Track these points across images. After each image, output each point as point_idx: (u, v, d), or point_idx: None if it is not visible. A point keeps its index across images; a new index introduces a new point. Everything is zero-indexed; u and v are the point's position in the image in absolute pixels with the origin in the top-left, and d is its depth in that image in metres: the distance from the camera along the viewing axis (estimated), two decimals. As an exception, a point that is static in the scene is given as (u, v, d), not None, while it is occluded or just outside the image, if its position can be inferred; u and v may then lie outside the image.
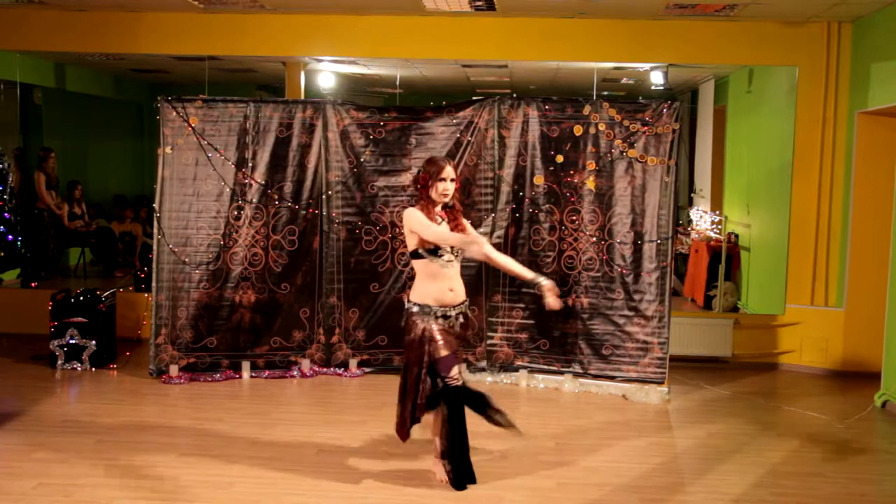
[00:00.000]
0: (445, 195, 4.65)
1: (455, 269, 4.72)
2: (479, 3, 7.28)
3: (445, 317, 4.68)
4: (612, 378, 6.85)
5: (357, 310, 7.18)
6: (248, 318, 7.06)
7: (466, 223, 4.84)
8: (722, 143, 10.35)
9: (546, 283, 4.75)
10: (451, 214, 4.75)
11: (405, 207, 6.97)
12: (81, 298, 7.23)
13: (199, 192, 6.97)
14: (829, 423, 6.19)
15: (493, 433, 5.75)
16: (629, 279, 6.78)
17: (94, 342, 7.20)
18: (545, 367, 7.04)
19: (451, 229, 4.70)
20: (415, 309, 4.67)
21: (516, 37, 7.93)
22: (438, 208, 4.69)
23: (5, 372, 7.05)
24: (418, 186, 4.72)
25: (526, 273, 4.92)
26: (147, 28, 8.02)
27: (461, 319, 4.79)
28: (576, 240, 6.93)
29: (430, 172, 4.65)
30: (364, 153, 7.13)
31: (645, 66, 8.66)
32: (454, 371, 4.64)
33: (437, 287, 4.67)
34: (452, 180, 4.67)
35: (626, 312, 6.79)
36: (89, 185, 11.66)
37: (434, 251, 4.64)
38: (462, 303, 4.79)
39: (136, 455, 5.13)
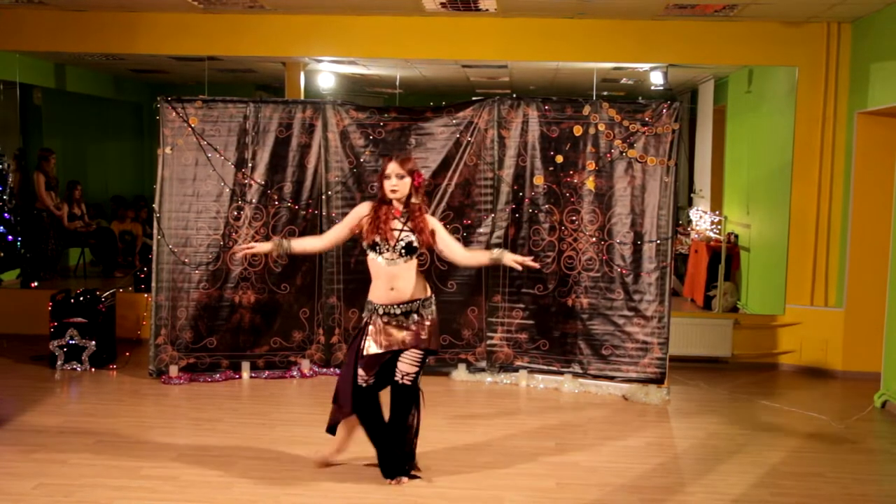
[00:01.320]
0: (393, 192, 4.64)
1: (400, 267, 4.62)
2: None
3: (390, 314, 4.65)
4: (611, 378, 6.85)
5: (357, 310, 7.17)
6: (248, 318, 7.05)
7: (432, 222, 4.74)
8: (722, 144, 10.35)
9: (500, 255, 4.85)
10: (411, 213, 4.67)
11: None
12: (81, 299, 7.23)
13: (198, 193, 6.97)
14: (828, 423, 6.19)
15: (492, 431, 5.75)
16: (629, 279, 6.78)
17: (93, 342, 7.19)
18: (545, 367, 7.04)
19: (412, 227, 4.64)
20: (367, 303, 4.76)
21: (516, 37, 7.93)
22: (396, 206, 4.67)
23: (5, 372, 7.05)
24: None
25: (483, 258, 5.07)
26: (146, 28, 8.02)
27: (414, 318, 4.66)
28: (575, 240, 6.93)
29: (381, 170, 4.71)
30: (364, 153, 7.13)
31: (645, 67, 8.66)
32: (364, 372, 4.69)
33: (377, 284, 4.69)
34: (400, 176, 4.62)
35: (626, 313, 6.79)
36: (89, 186, 11.66)
37: (373, 247, 4.64)
38: (410, 301, 4.65)
39: (135, 455, 5.12)
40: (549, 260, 6.99)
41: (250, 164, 7.03)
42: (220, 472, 4.89)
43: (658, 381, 6.69)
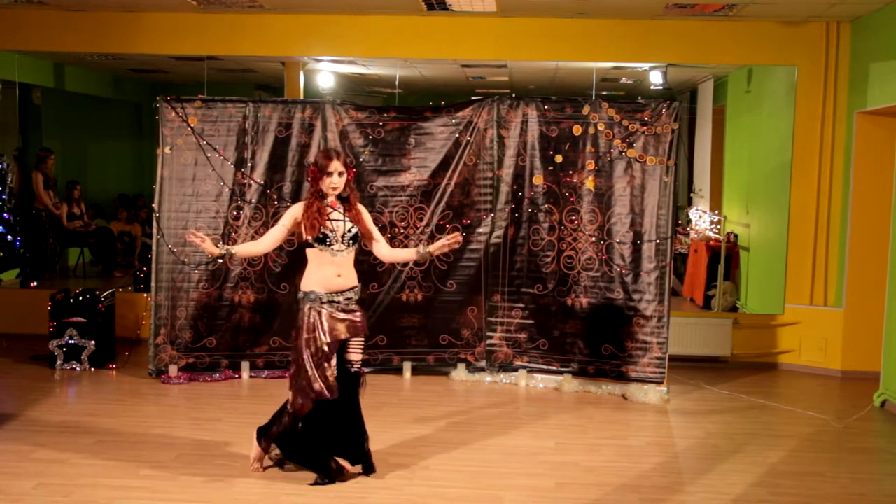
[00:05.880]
0: (334, 188, 4.76)
1: (347, 256, 4.79)
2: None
3: (333, 303, 4.76)
4: (611, 378, 6.85)
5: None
6: (248, 318, 7.05)
7: (364, 212, 4.92)
8: (721, 143, 10.36)
9: (426, 251, 4.93)
10: (347, 205, 4.84)
11: (405, 208, 7.04)
12: (80, 298, 7.23)
13: (198, 192, 6.97)
14: (828, 422, 6.19)
15: (492, 431, 5.76)
16: (628, 279, 6.78)
17: (93, 342, 7.19)
18: (544, 366, 7.04)
19: (351, 218, 4.80)
20: (300, 295, 4.80)
21: (516, 37, 7.93)
22: (330, 199, 4.79)
23: (5, 372, 7.05)
24: (309, 179, 4.85)
25: (409, 255, 5.22)
26: (146, 28, 8.02)
27: (355, 305, 4.82)
28: (575, 240, 6.94)
29: (320, 166, 4.76)
30: (363, 153, 7.12)
31: (644, 66, 8.67)
32: (328, 364, 4.77)
33: (321, 273, 4.76)
34: (341, 174, 4.75)
35: (626, 312, 6.79)
36: (89, 185, 11.66)
37: (321, 240, 4.73)
38: (352, 288, 4.82)
39: (135, 455, 5.13)
40: (548, 259, 7.00)
41: (250, 164, 7.03)
42: (220, 472, 4.89)
43: (657, 380, 6.69)
